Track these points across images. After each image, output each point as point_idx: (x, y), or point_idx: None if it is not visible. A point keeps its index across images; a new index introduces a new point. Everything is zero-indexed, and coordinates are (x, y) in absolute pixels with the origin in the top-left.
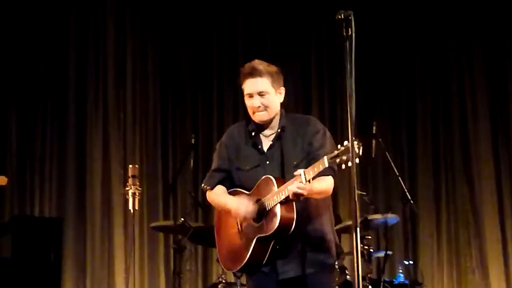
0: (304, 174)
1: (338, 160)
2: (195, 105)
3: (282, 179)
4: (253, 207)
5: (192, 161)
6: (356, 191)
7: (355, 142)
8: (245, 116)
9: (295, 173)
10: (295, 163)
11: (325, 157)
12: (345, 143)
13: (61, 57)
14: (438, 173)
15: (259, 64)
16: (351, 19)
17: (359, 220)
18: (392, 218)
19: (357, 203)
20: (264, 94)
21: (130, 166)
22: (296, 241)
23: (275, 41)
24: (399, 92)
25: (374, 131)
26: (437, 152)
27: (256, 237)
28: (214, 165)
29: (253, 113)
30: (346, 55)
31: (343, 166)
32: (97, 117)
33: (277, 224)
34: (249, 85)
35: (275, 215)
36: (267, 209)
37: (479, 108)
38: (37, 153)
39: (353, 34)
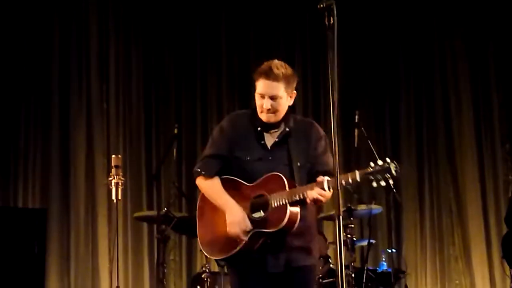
0: (328, 183)
1: (371, 177)
2: (178, 95)
3: (292, 180)
4: (247, 225)
5: (175, 151)
6: (339, 181)
7: (393, 165)
8: (237, 108)
9: (318, 179)
10: (299, 164)
11: (357, 172)
12: (380, 162)
13: (44, 49)
14: (422, 162)
15: (277, 67)
16: (333, 8)
17: (341, 209)
18: (376, 209)
19: (339, 192)
20: (276, 98)
21: (113, 156)
22: (288, 239)
23: (259, 35)
24: (382, 83)
25: (356, 120)
26: (420, 141)
27: (254, 231)
28: (211, 150)
29: (261, 112)
30: (328, 45)
31: (374, 184)
32: (81, 108)
33: (283, 224)
34: (263, 86)
35: (282, 214)
36: (273, 206)
37: (463, 98)
38: (20, 144)
39: (336, 23)
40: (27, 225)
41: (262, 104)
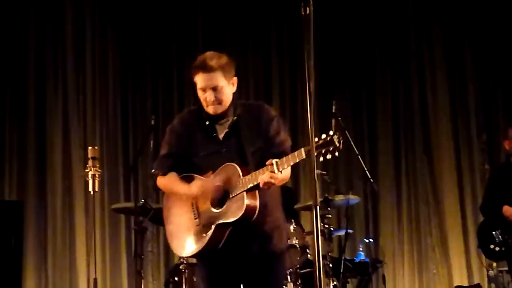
0: (277, 165)
1: (316, 151)
2: (155, 87)
3: (246, 167)
4: (216, 182)
5: (152, 142)
6: (316, 170)
7: (335, 136)
8: (197, 102)
9: (267, 162)
10: (252, 150)
11: (303, 149)
12: (323, 136)
13: (19, 40)
14: (398, 152)
15: (210, 58)
16: None
17: (319, 199)
18: (353, 199)
19: (317, 182)
20: (217, 88)
21: (90, 148)
22: (253, 228)
23: (235, 25)
24: (359, 72)
25: (333, 111)
26: (397, 131)
27: (217, 223)
28: (164, 151)
29: (207, 106)
30: (305, 35)
31: (321, 158)
32: (57, 100)
33: (242, 212)
34: (201, 80)
35: (240, 202)
36: (231, 196)
37: (439, 89)
38: None
39: (312, 13)
40: (4, 217)
41: (205, 98)
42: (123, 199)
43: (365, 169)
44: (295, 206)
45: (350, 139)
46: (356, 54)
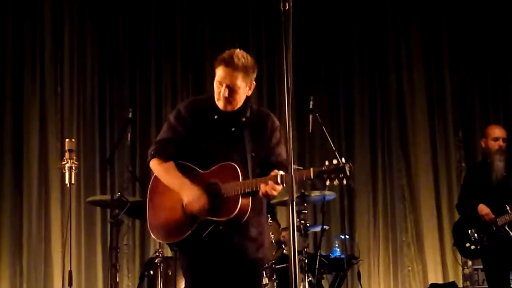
0: (282, 178)
1: (325, 175)
2: (133, 79)
3: (244, 170)
4: (206, 201)
5: (129, 135)
6: (293, 166)
7: (347, 166)
8: (191, 93)
9: (273, 173)
10: (253, 154)
11: (312, 170)
12: (334, 161)
13: None
14: (375, 148)
15: (238, 57)
16: None
17: (295, 195)
18: (329, 195)
19: (293, 177)
20: (234, 88)
21: (67, 140)
22: (238, 229)
23: (213, 20)
24: (336, 67)
25: (311, 106)
26: (373, 127)
27: (204, 218)
28: (168, 134)
29: (218, 99)
30: (283, 30)
31: (328, 182)
32: (34, 91)
33: (234, 214)
34: (222, 74)
35: (234, 204)
36: (225, 195)
37: (416, 85)
38: None
39: (291, 9)
40: None
41: (219, 92)
42: (99, 191)
43: None
44: (272, 201)
45: (327, 134)
46: (333, 50)
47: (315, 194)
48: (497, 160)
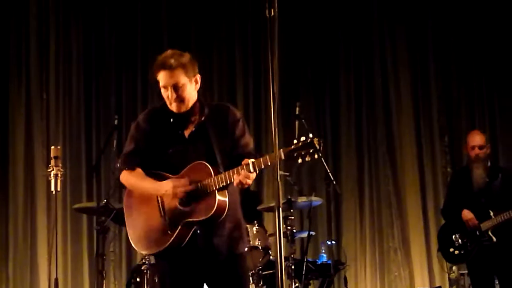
0: (254, 165)
1: (295, 153)
2: (119, 86)
3: (214, 166)
4: (186, 180)
5: (115, 142)
6: (279, 172)
7: (316, 139)
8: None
9: (243, 162)
10: (219, 150)
11: (282, 150)
12: (302, 138)
13: None
14: (361, 154)
15: (170, 56)
16: None
17: (281, 201)
18: (316, 201)
19: (279, 183)
20: (179, 86)
21: (53, 147)
22: (218, 227)
23: (200, 26)
24: (322, 73)
25: (297, 112)
26: (360, 133)
27: (184, 221)
28: (130, 147)
29: (170, 104)
30: (269, 36)
31: (300, 160)
32: (20, 97)
33: (212, 211)
34: (163, 78)
35: (211, 201)
36: (201, 194)
37: (402, 91)
38: None
39: (276, 15)
40: None
41: (168, 96)
42: (85, 199)
43: (328, 171)
44: (258, 208)
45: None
46: (320, 56)
47: (302, 199)
48: (475, 168)
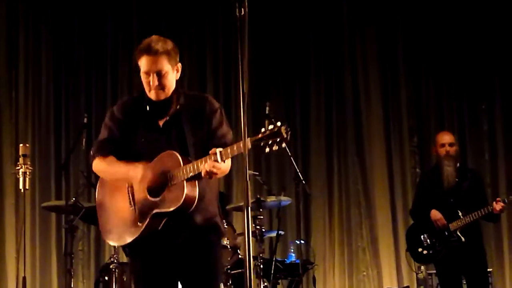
0: (221, 154)
1: (262, 143)
2: (88, 84)
3: (186, 157)
4: (150, 167)
5: (84, 140)
6: (248, 171)
7: (283, 127)
8: (139, 90)
9: (211, 151)
10: (193, 141)
11: (249, 139)
12: (270, 126)
13: None
14: (331, 153)
15: (156, 42)
16: None
17: (250, 200)
18: (285, 200)
19: (248, 183)
20: (161, 73)
21: (21, 145)
22: (189, 219)
23: (170, 25)
24: (292, 74)
25: (267, 112)
26: (329, 133)
27: (153, 212)
28: (103, 135)
29: (150, 90)
30: (239, 36)
31: (267, 150)
32: None
33: (181, 201)
34: (146, 63)
35: (179, 192)
36: (170, 184)
37: (372, 92)
38: None
39: (246, 14)
40: None
41: (149, 82)
42: (54, 197)
43: (297, 170)
44: (227, 207)
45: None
46: (290, 56)
47: (271, 199)
48: (446, 166)
